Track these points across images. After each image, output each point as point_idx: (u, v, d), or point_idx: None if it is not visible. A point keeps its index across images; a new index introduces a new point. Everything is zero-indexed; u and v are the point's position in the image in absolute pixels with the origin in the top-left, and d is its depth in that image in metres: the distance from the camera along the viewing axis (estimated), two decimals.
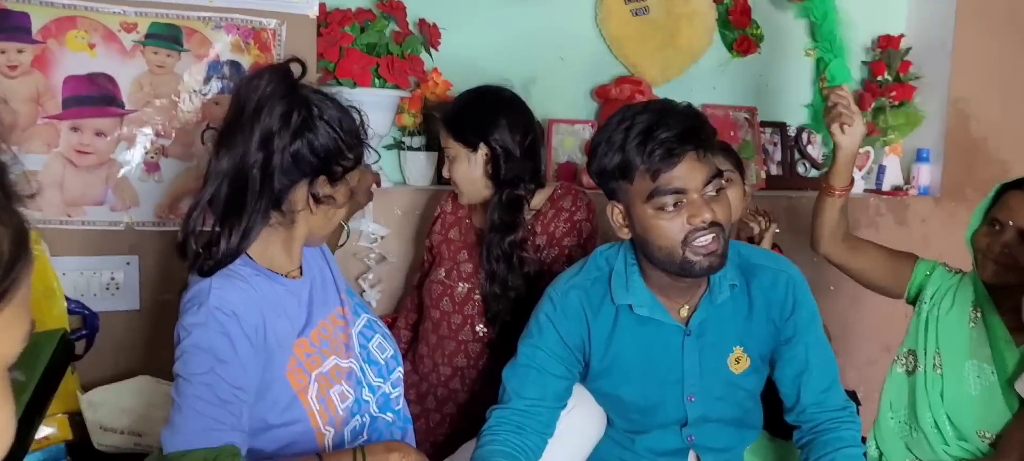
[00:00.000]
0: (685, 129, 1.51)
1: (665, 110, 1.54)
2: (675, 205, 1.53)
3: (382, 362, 1.62)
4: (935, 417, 1.91)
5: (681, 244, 1.54)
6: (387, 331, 1.68)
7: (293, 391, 1.44)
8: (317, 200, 1.46)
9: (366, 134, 1.52)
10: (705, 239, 1.54)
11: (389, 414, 1.62)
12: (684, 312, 1.68)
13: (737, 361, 1.70)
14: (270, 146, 1.39)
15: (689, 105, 1.59)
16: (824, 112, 1.92)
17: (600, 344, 1.69)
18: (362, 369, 1.57)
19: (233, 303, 1.37)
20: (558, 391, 1.70)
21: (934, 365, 1.91)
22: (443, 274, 2.10)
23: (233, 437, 1.33)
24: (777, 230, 2.17)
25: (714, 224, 1.53)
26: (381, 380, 1.61)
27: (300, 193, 1.45)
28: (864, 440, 2.03)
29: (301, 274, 1.54)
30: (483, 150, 2.01)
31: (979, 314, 1.88)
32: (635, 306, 1.65)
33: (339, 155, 1.45)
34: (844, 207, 1.98)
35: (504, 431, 1.65)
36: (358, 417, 1.55)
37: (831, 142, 1.93)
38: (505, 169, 2.00)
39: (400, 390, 1.66)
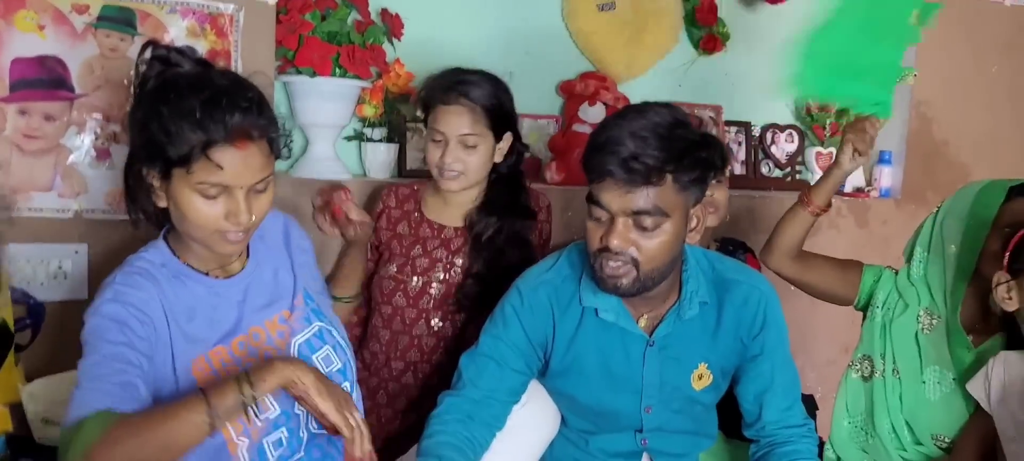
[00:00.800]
0: (626, 156, 1.44)
1: (633, 129, 1.46)
2: (600, 218, 1.52)
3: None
4: (893, 422, 1.91)
5: (594, 254, 1.54)
6: (343, 341, 1.59)
7: None
8: (151, 188, 1.37)
9: (223, 125, 1.28)
10: (610, 264, 1.51)
11: None
12: (644, 322, 1.66)
13: (700, 377, 1.69)
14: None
15: (671, 128, 1.48)
16: (847, 127, 1.91)
17: (563, 343, 1.67)
18: None
19: (132, 300, 1.35)
20: (514, 386, 1.68)
21: (893, 370, 1.92)
22: (395, 269, 2.06)
23: (116, 402, 1.26)
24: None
25: (624, 254, 1.50)
26: None
27: (151, 181, 1.36)
28: (822, 444, 2.05)
29: (241, 270, 1.48)
30: (508, 138, 2.00)
31: (934, 320, 1.88)
32: (601, 310, 1.63)
33: (165, 141, 1.28)
34: (810, 228, 1.97)
35: (453, 421, 1.62)
36: (283, 430, 1.46)
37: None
38: (516, 158, 2.04)
39: None
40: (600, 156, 1.47)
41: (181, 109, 1.28)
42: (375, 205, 2.16)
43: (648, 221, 1.48)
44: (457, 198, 2.03)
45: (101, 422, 1.23)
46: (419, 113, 2.12)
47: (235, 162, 1.31)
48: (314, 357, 1.52)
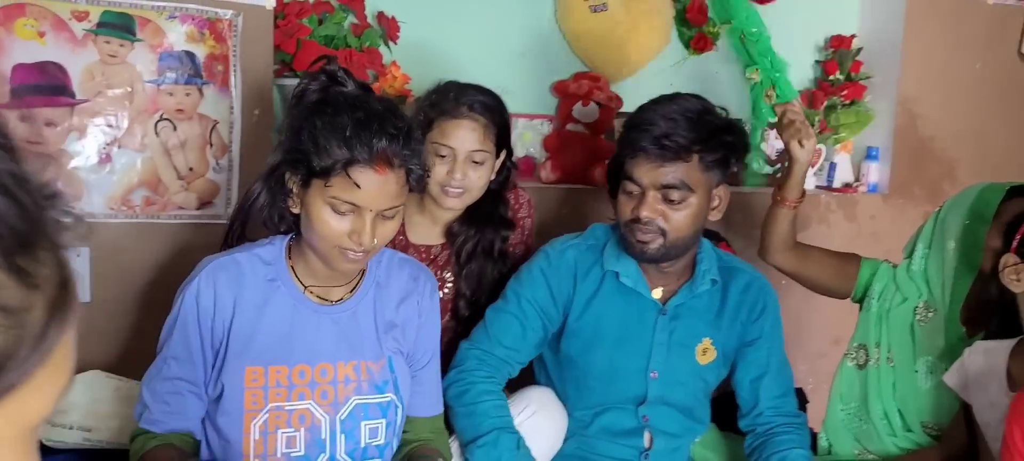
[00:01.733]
0: (658, 135, 1.62)
1: (665, 113, 1.65)
2: (632, 191, 1.68)
3: (362, 445, 1.52)
4: (886, 409, 1.97)
5: (626, 224, 1.70)
6: (401, 423, 1.58)
7: (243, 410, 1.43)
8: (286, 195, 1.43)
9: (368, 147, 1.33)
10: (642, 234, 1.68)
11: None
12: (659, 293, 1.79)
13: (704, 352, 1.80)
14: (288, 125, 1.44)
15: (700, 114, 1.66)
16: (779, 128, 1.96)
17: (581, 303, 1.79)
18: (333, 433, 1.49)
19: (203, 299, 1.44)
20: (531, 346, 1.80)
21: (887, 358, 1.97)
22: None
23: (158, 423, 1.45)
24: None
25: (652, 224, 1.66)
26: (349, 459, 1.52)
27: (291, 186, 1.43)
28: (815, 435, 2.10)
29: (339, 301, 1.51)
30: (502, 155, 1.95)
31: (931, 313, 1.93)
32: (621, 275, 1.76)
33: (312, 151, 1.34)
34: (795, 218, 2.03)
35: (486, 382, 1.73)
36: None
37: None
38: (505, 175, 2.00)
39: None
40: (635, 134, 1.65)
41: (334, 125, 1.33)
42: None
43: (675, 194, 1.64)
44: (444, 215, 1.96)
45: (140, 445, 1.45)
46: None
47: (372, 185, 1.35)
48: (362, 421, 1.51)
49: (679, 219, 1.66)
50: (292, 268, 1.49)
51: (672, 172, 1.64)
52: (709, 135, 1.65)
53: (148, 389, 1.46)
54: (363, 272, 1.55)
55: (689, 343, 1.80)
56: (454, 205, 1.89)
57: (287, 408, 1.44)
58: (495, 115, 1.89)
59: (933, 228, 1.97)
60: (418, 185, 1.44)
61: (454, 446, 1.73)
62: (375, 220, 1.37)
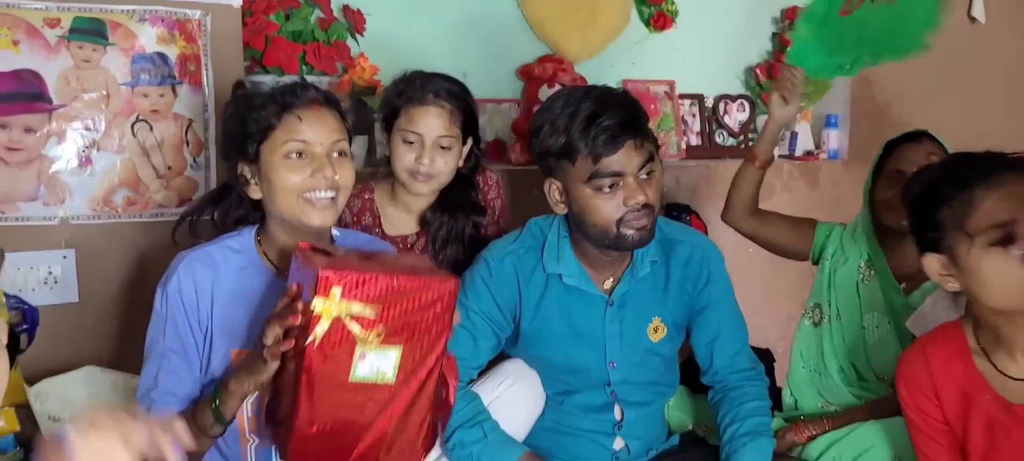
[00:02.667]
0: (626, 119, 1.64)
1: (606, 98, 1.66)
2: (611, 187, 1.66)
3: None
4: (840, 363, 2.08)
5: (616, 223, 1.68)
6: None
7: None
8: (244, 181, 1.53)
9: (296, 95, 1.49)
10: (639, 220, 1.67)
11: None
12: (608, 284, 1.81)
13: (655, 330, 1.84)
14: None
15: (625, 93, 1.72)
16: (773, 82, 2.06)
17: (530, 308, 1.81)
18: None
19: (186, 290, 1.49)
20: (485, 350, 1.81)
21: (837, 315, 2.08)
22: None
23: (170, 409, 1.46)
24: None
25: (646, 205, 1.67)
26: None
27: (244, 173, 1.53)
28: (779, 391, 2.21)
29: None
30: (470, 141, 2.01)
31: (872, 271, 2.05)
32: (564, 276, 1.78)
33: (251, 120, 1.48)
34: (759, 182, 2.13)
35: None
36: None
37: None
38: (474, 162, 2.04)
39: None
40: (605, 133, 1.63)
41: (264, 96, 1.49)
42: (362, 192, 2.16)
43: (651, 167, 1.68)
44: (418, 203, 2.01)
45: None
46: (378, 118, 2.06)
47: (313, 119, 1.48)
48: None
49: (657, 191, 1.70)
50: (264, 254, 1.56)
51: (645, 149, 1.67)
52: (641, 106, 1.71)
53: (153, 388, 1.50)
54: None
55: (640, 327, 1.83)
56: (423, 190, 1.96)
57: None
58: (460, 102, 1.95)
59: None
60: (353, 127, 1.60)
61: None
62: (329, 158, 1.49)
